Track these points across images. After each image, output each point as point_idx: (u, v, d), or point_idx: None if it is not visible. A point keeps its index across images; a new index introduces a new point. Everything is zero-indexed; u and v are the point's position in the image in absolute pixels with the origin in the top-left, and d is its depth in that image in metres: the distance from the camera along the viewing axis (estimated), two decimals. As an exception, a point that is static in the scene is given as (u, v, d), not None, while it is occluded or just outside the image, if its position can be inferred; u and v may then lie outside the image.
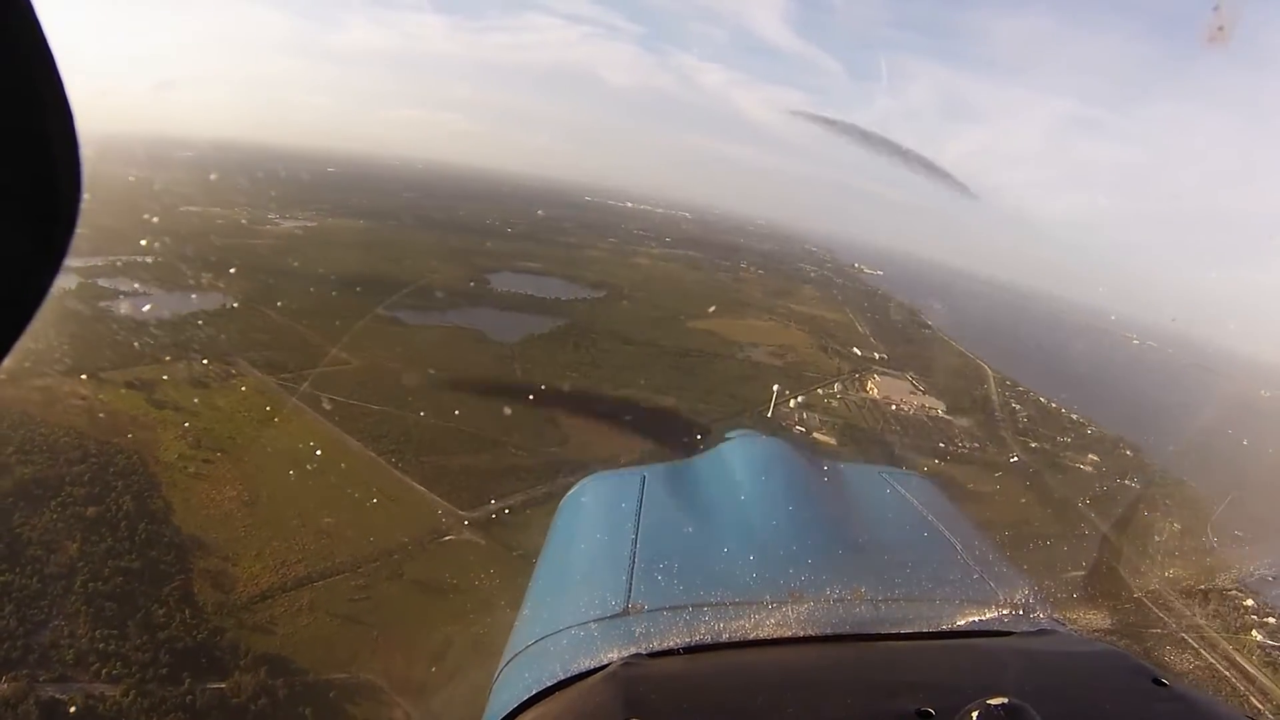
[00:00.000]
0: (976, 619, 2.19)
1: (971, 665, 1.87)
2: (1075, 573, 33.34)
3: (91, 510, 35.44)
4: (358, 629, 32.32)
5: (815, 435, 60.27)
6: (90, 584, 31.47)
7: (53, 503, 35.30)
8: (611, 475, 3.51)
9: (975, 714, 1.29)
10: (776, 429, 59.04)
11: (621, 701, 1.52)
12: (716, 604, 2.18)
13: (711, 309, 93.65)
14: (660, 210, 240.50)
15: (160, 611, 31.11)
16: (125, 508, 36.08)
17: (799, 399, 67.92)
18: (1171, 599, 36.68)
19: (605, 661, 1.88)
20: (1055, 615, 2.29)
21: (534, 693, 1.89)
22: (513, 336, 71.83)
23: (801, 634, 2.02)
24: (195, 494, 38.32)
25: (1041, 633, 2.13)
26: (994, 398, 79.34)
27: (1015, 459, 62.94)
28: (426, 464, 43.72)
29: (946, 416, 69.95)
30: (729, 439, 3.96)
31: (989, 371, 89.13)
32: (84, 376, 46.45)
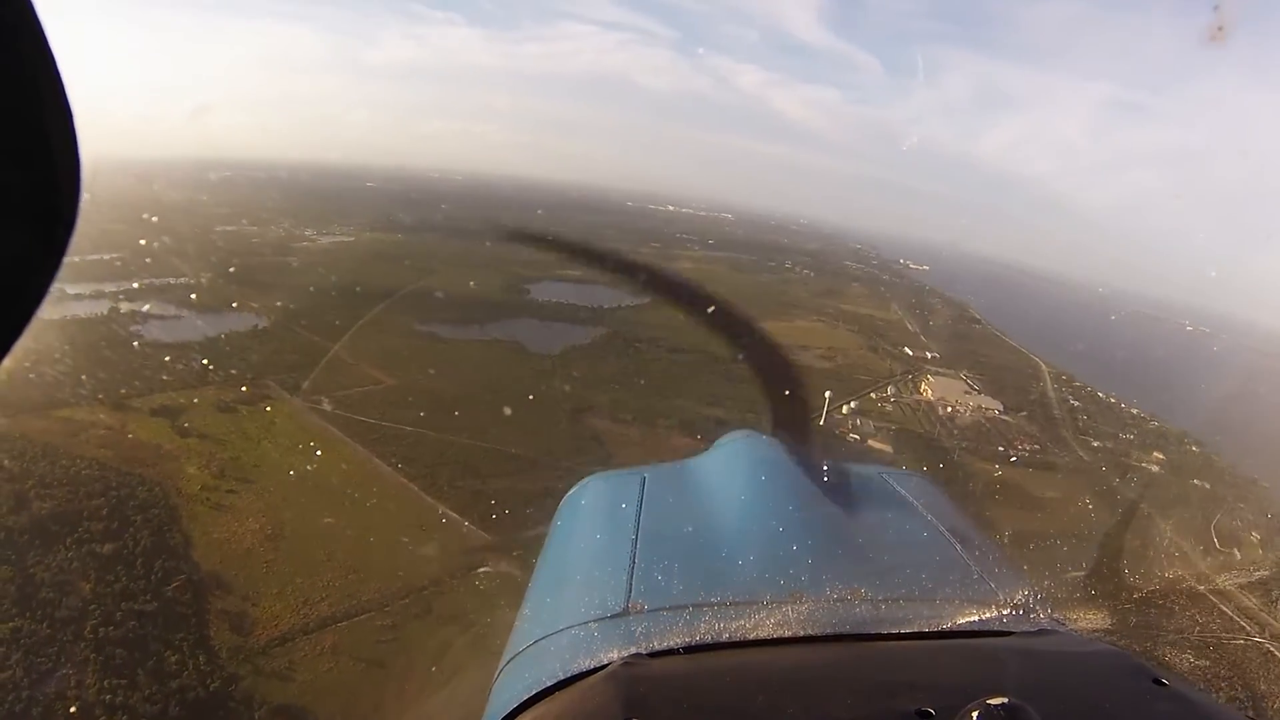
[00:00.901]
0: (976, 619, 2.15)
1: (971, 665, 1.85)
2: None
3: (108, 547, 33.72)
4: (382, 674, 29.82)
5: (870, 443, 57.67)
6: (101, 629, 29.50)
7: (69, 540, 33.66)
8: (611, 475, 3.45)
9: (975, 714, 1.30)
10: (830, 438, 56.64)
11: (621, 701, 1.52)
12: (716, 604, 2.15)
13: (759, 312, 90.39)
14: (702, 213, 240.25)
15: (173, 658, 29.02)
16: (143, 544, 34.29)
17: (851, 404, 65.41)
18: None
19: (605, 661, 1.85)
20: (1055, 615, 2.26)
21: (534, 693, 1.86)
22: (553, 348, 69.72)
23: (801, 634, 2.00)
24: (217, 527, 36.39)
25: (1041, 632, 2.10)
26: (1051, 394, 76.74)
27: (1083, 459, 60.44)
28: (462, 488, 41.31)
29: (1004, 417, 67.35)
30: (729, 439, 3.81)
31: (1043, 366, 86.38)
32: (111, 405, 45.47)
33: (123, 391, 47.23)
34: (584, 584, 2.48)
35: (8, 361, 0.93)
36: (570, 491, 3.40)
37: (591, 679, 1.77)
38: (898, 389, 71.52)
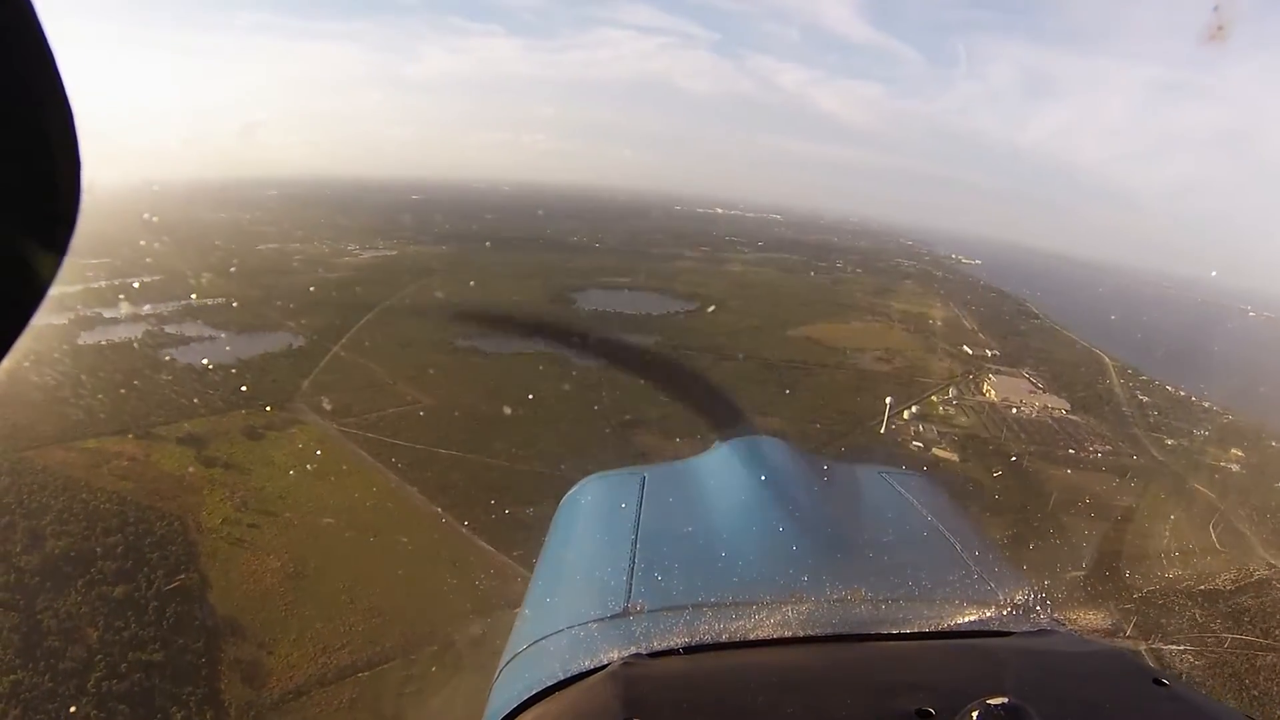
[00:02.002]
0: (976, 619, 2.16)
1: (971, 665, 1.86)
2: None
3: (119, 590, 31.56)
4: (404, 735, 26.87)
5: (935, 451, 54.85)
6: (105, 682, 27.22)
7: (80, 582, 31.72)
8: (611, 475, 3.47)
9: (975, 714, 1.31)
10: (892, 446, 54.44)
11: (621, 701, 1.53)
12: (716, 604, 2.17)
13: (812, 314, 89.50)
14: (750, 214, 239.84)
15: (179, 716, 26.44)
16: (156, 585, 32.07)
17: (913, 409, 62.92)
18: None
19: (605, 661, 1.86)
20: (1055, 615, 2.27)
21: (534, 693, 1.86)
22: (600, 360, 66.81)
23: (801, 634, 2.01)
24: (235, 566, 33.95)
25: (1041, 633, 2.12)
26: (1118, 390, 74.15)
27: (1159, 460, 56.90)
28: (499, 518, 38.16)
29: (1072, 416, 64.38)
30: (729, 439, 3.78)
31: (1106, 360, 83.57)
32: (137, 434, 44.13)
33: (150, 419, 45.94)
34: (584, 584, 2.48)
35: (7, 362, 0.90)
36: (570, 491, 3.38)
37: (591, 679, 1.76)
38: (959, 391, 68.90)
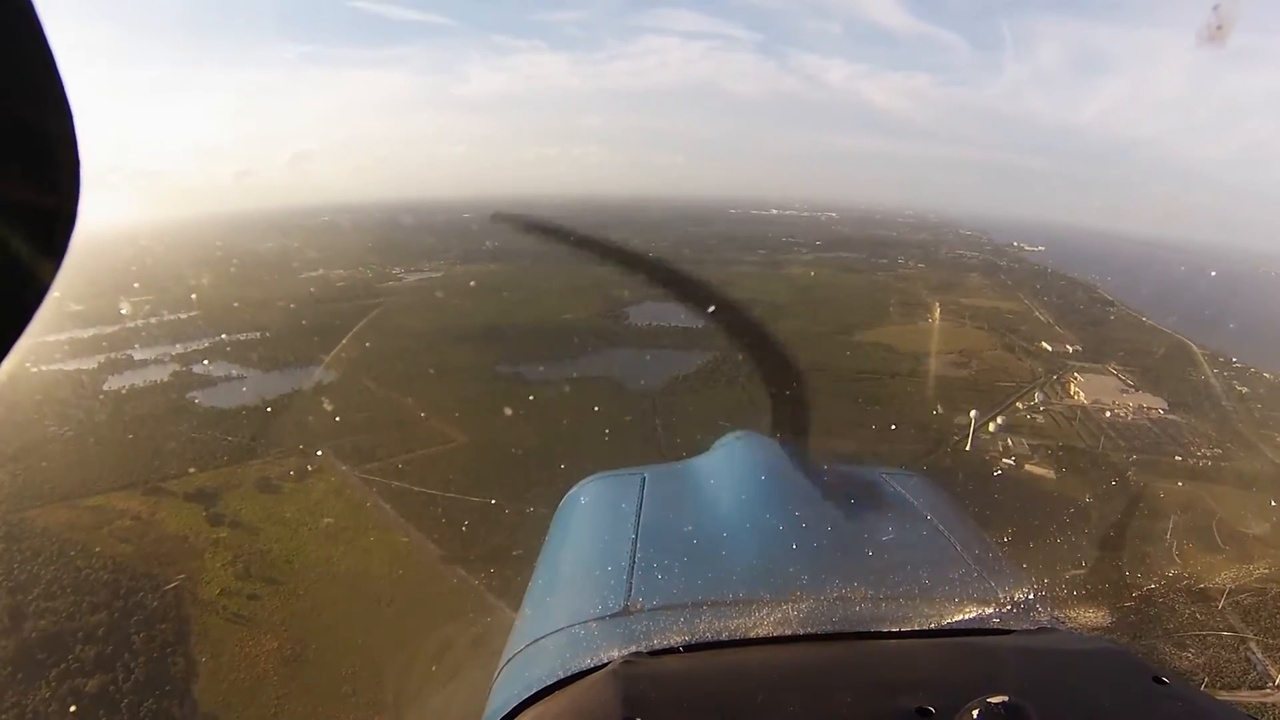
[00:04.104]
0: (976, 617, 2.12)
1: (971, 663, 1.82)
2: None
3: (93, 683, 27.89)
4: None
5: (1028, 467, 49.58)
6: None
7: (53, 672, 28.18)
8: (611, 475, 3.30)
9: (975, 712, 1.30)
10: (979, 465, 49.21)
11: (621, 700, 1.51)
12: (716, 603, 2.13)
13: (878, 316, 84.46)
14: (806, 213, 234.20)
15: None
16: (136, 675, 28.31)
17: (998, 420, 56.92)
18: None
19: (605, 660, 1.81)
20: (1055, 613, 2.23)
21: (534, 692, 1.81)
22: (654, 382, 62.06)
23: (801, 632, 1.98)
24: (228, 648, 29.86)
25: (1042, 631, 2.08)
26: (1213, 382, 67.61)
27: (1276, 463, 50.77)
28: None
29: (1171, 416, 59.21)
30: (729, 439, 3.67)
31: (1193, 348, 76.36)
32: (145, 489, 40.96)
33: (164, 470, 42.94)
34: (584, 583, 2.45)
35: (7, 363, 0.89)
36: (570, 491, 3.28)
37: (591, 678, 1.74)
38: (1045, 394, 63.33)
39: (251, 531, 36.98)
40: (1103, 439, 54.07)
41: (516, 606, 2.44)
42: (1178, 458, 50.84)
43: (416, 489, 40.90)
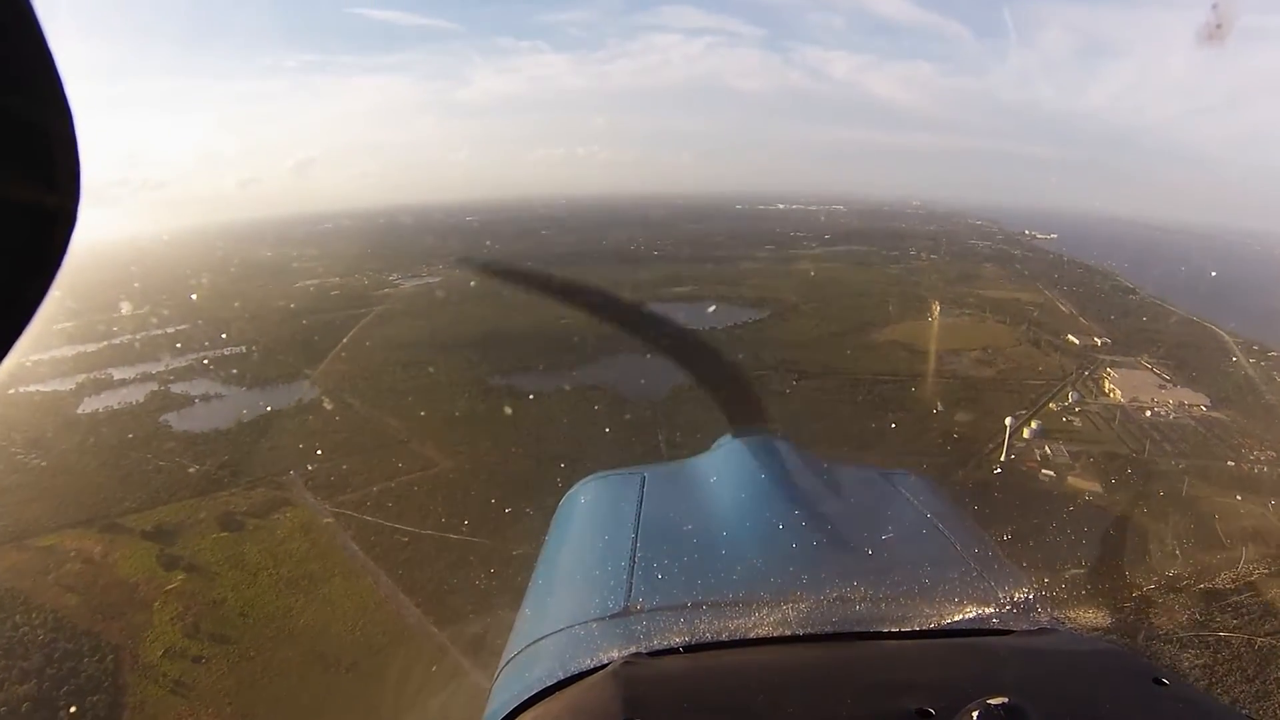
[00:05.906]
0: (976, 617, 2.15)
1: (971, 664, 1.86)
2: None
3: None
4: None
5: (1071, 480, 44.86)
6: None
7: None
8: (611, 475, 3.38)
9: (975, 713, 1.31)
10: (1019, 478, 44.70)
11: (621, 701, 1.53)
12: (716, 604, 2.17)
13: (893, 312, 80.00)
14: (813, 206, 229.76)
15: None
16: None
17: (1033, 425, 52.39)
18: None
19: (605, 661, 1.85)
20: (1055, 614, 2.27)
21: (534, 692, 1.84)
22: (658, 391, 57.52)
23: (801, 633, 2.01)
24: (163, 724, 26.22)
25: (1042, 632, 2.12)
26: (1252, 373, 64.08)
27: None
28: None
29: (1215, 414, 54.72)
30: (728, 439, 3.69)
31: (1224, 336, 73.00)
32: (101, 527, 37.85)
33: (123, 505, 39.79)
34: (584, 583, 2.47)
35: (8, 362, 0.89)
36: (570, 491, 3.32)
37: (591, 678, 1.76)
38: (1079, 393, 59.32)
39: (208, 577, 33.55)
40: (1147, 443, 50.22)
41: (516, 606, 2.40)
42: (1230, 463, 46.94)
43: (390, 525, 37.31)
